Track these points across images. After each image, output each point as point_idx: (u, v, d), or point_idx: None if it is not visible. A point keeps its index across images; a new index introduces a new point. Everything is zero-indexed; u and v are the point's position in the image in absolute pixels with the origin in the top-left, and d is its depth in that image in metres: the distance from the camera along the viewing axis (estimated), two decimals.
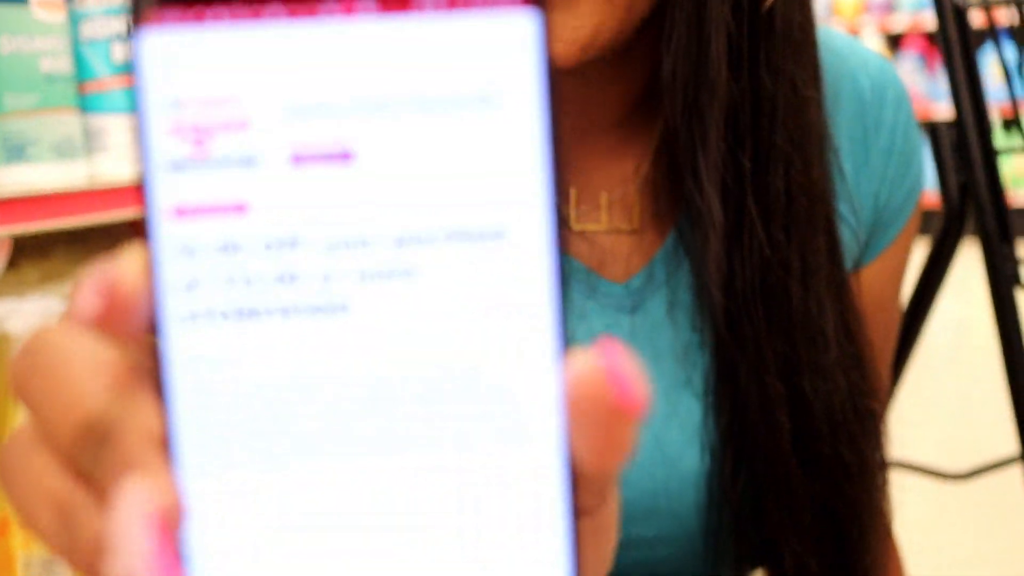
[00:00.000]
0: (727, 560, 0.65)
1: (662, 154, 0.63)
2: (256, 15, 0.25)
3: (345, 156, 0.26)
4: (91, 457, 0.26)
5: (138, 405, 0.26)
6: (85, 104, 1.08)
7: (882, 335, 0.71)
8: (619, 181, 0.65)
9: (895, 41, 5.55)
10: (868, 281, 0.69)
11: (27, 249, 1.15)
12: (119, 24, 1.09)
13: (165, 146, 0.25)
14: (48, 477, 0.26)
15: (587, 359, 0.26)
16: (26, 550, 1.09)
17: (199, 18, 0.25)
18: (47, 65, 1.03)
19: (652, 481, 0.60)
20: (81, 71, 1.08)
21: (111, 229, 1.13)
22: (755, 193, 0.61)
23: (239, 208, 0.26)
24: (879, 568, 0.68)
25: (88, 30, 1.08)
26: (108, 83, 1.09)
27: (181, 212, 0.26)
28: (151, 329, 0.26)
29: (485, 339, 0.26)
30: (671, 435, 0.62)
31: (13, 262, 1.13)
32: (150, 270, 0.26)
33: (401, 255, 0.26)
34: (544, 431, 0.26)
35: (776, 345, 0.61)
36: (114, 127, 1.09)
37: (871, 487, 0.66)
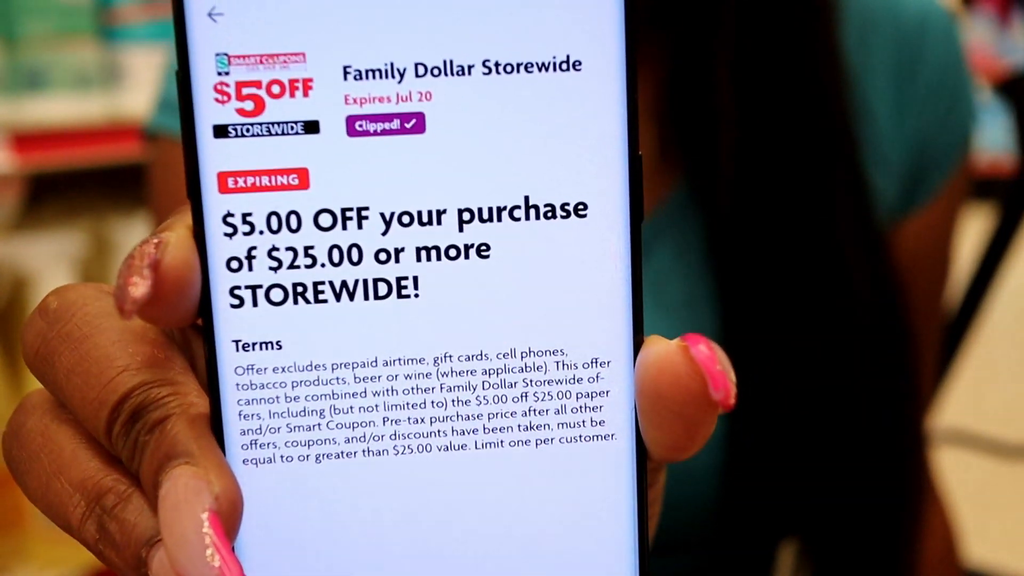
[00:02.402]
0: (745, 527, 0.60)
1: (673, 88, 0.58)
2: None
3: (413, 124, 0.23)
4: (127, 441, 0.23)
5: (180, 386, 0.23)
6: (105, 34, 1.04)
7: (929, 297, 0.66)
8: None
9: None
10: (912, 236, 0.64)
11: (46, 186, 1.11)
12: None
13: (213, 109, 0.23)
14: (77, 459, 0.23)
15: (671, 348, 0.24)
16: None
17: None
18: None
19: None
20: None
21: (132, 167, 1.09)
22: (769, 99, 0.56)
23: (295, 179, 0.23)
24: (922, 525, 0.64)
25: None
26: (130, 13, 1.04)
27: (231, 183, 0.23)
28: (194, 310, 0.23)
29: (558, 322, 0.24)
30: None
31: (32, 199, 1.10)
32: (197, 246, 0.23)
33: (470, 231, 0.24)
34: (620, 416, 0.25)
35: (791, 276, 0.56)
36: (135, 59, 1.04)
37: (906, 439, 0.61)
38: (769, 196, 0.56)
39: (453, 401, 0.24)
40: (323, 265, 0.23)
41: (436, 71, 0.23)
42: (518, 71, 0.23)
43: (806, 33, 0.57)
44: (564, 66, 0.23)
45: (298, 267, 0.23)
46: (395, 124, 0.23)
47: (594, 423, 0.25)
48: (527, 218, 0.24)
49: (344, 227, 0.23)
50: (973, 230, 0.79)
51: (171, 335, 0.24)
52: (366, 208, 0.23)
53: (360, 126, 0.23)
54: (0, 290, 1.09)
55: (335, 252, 0.23)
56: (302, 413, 0.24)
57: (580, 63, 0.23)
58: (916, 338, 0.62)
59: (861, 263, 0.58)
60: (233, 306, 0.23)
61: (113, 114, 1.04)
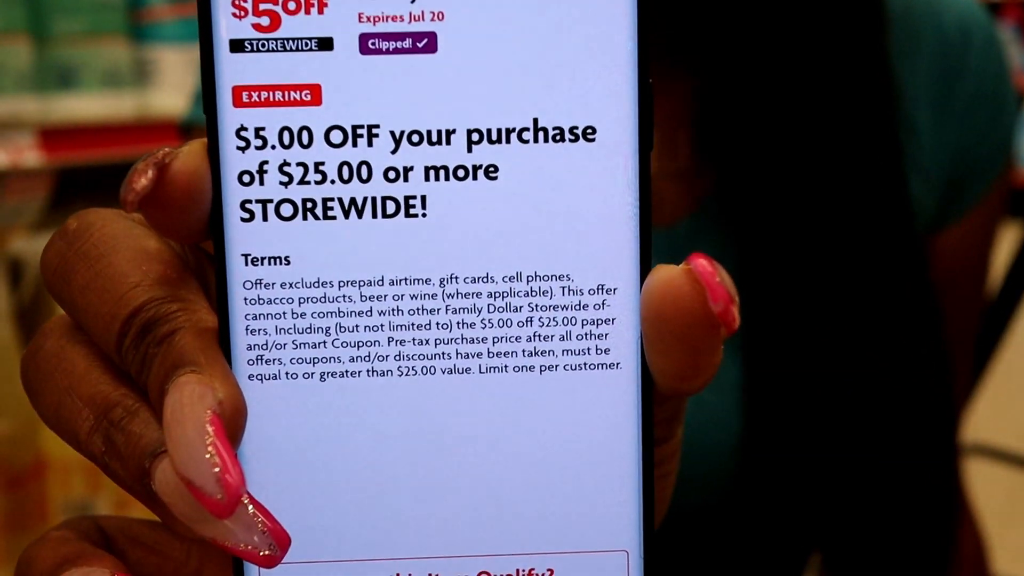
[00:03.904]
0: (767, 536, 0.59)
1: (714, 85, 0.57)
2: None
3: (425, 43, 0.24)
4: (136, 354, 0.23)
5: (190, 303, 0.24)
6: (136, 33, 1.04)
7: (962, 310, 0.65)
8: (665, 118, 0.58)
9: (992, 11, 5.30)
10: (949, 247, 0.63)
11: (74, 183, 1.11)
12: None
13: (230, 24, 0.23)
14: (90, 376, 0.24)
15: (675, 271, 0.23)
16: (64, 491, 1.06)
17: None
18: None
19: (688, 446, 0.53)
20: None
21: None
22: (806, 106, 0.55)
23: (308, 95, 0.24)
24: (952, 541, 0.62)
25: None
26: (160, 12, 1.04)
27: (245, 97, 0.23)
28: (204, 224, 0.24)
29: (565, 247, 0.24)
30: (709, 397, 0.56)
31: (60, 198, 1.10)
32: (208, 159, 0.23)
33: (479, 152, 0.24)
34: (625, 345, 0.24)
35: (823, 284, 0.55)
36: (166, 58, 1.04)
37: (940, 453, 0.60)
38: (802, 202, 0.56)
39: (458, 323, 0.24)
40: (333, 182, 0.24)
41: None
42: None
43: (850, 41, 0.56)
44: None
45: (308, 183, 0.24)
46: (407, 43, 0.23)
47: (599, 351, 0.24)
48: (535, 140, 0.24)
49: (354, 144, 0.24)
50: (1002, 243, 0.78)
51: (185, 259, 0.25)
52: (376, 126, 0.24)
53: (373, 44, 0.23)
54: (26, 287, 1.10)
55: (345, 169, 0.24)
56: (308, 330, 0.24)
57: None
58: (951, 349, 0.61)
59: (896, 273, 0.57)
60: (243, 220, 0.24)
61: (143, 112, 1.04)
